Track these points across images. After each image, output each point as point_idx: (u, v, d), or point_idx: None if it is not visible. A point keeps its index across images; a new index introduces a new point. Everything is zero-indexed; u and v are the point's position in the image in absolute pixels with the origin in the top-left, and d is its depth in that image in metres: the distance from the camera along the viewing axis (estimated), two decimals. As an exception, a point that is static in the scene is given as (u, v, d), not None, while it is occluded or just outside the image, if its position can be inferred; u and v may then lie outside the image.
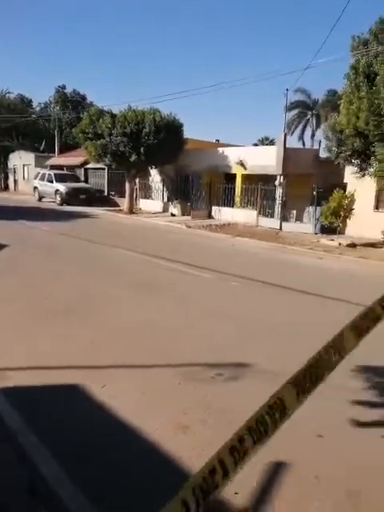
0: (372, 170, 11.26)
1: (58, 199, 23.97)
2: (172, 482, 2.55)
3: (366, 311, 1.48)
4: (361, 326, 1.41)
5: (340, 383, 3.87)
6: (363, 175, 11.74)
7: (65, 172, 27.05)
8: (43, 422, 3.14)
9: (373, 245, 12.82)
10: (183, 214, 20.16)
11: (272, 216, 17.10)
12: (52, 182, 24.62)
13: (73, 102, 42.64)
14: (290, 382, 1.09)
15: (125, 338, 4.89)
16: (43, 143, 37.34)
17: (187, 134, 20.90)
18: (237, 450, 0.95)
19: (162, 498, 2.41)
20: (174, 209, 20.97)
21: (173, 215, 20.44)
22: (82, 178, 27.59)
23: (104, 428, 3.11)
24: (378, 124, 10.19)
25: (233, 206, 18.92)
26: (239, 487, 2.59)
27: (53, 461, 2.68)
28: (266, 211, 17.54)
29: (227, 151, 19.66)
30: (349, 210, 13.60)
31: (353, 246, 12.52)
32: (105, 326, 5.27)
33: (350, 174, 13.04)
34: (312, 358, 1.20)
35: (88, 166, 26.82)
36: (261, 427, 1.00)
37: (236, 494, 2.50)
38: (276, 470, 2.77)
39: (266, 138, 46.36)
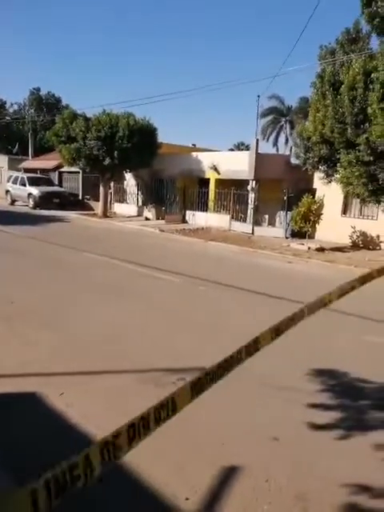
0: (338, 176, 11.59)
1: (31, 203, 23.60)
2: (129, 491, 2.61)
3: (291, 316, 1.60)
4: (280, 328, 1.54)
5: (296, 386, 4.01)
6: (330, 181, 12.07)
7: (38, 175, 26.63)
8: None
9: (340, 249, 13.19)
10: (158, 218, 20.19)
11: (244, 220, 17.34)
12: (25, 185, 24.22)
13: (47, 105, 42.16)
14: (189, 384, 1.15)
15: (88, 343, 4.88)
16: (17, 146, 36.72)
17: (164, 138, 21.06)
18: (108, 446, 0.91)
19: (112, 502, 2.45)
20: (149, 213, 20.98)
21: (147, 219, 20.43)
22: (56, 182, 27.24)
23: (58, 437, 3.10)
24: (342, 132, 10.51)
25: (206, 211, 19.08)
26: (190, 492, 2.65)
27: (2, 474, 2.66)
28: (238, 215, 17.78)
29: (201, 156, 19.83)
30: (318, 215, 13.94)
31: (321, 250, 12.84)
32: (67, 331, 5.25)
33: (318, 179, 13.38)
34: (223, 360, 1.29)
35: (62, 169, 26.53)
36: (141, 422, 0.99)
37: (187, 499, 2.55)
38: (228, 475, 2.84)
39: (242, 144, 46.92)
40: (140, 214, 21.55)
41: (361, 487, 2.70)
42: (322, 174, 12.30)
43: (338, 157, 11.07)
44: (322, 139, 11.11)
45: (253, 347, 1.43)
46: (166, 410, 1.06)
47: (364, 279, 1.87)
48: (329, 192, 13.52)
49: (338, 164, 11.12)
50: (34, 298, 6.64)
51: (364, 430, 3.32)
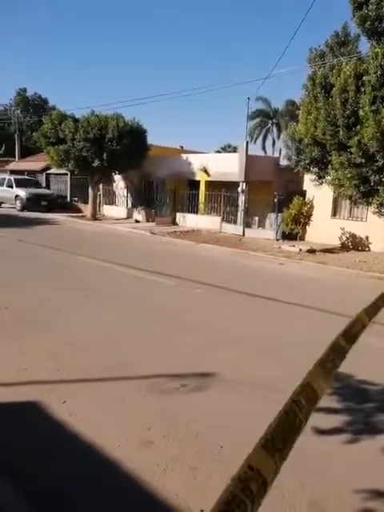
0: (329, 178, 11.66)
1: (18, 205, 23.25)
2: (134, 500, 2.54)
3: (331, 346, 1.47)
4: (328, 363, 1.36)
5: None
6: (321, 183, 12.14)
7: (25, 177, 26.26)
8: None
9: (330, 250, 13.29)
10: (148, 221, 20.08)
11: (235, 222, 17.35)
12: (12, 187, 23.85)
13: (34, 106, 41.70)
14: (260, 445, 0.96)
15: (86, 350, 4.79)
16: (3, 147, 36.20)
17: (151, 140, 20.92)
18: None
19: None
20: (139, 215, 20.85)
21: (137, 221, 20.31)
22: (44, 184, 26.91)
23: (62, 449, 3.02)
24: (334, 134, 10.57)
25: (197, 213, 19.04)
26: (207, 505, 2.59)
27: (7, 487, 2.57)
28: (229, 217, 17.79)
29: (191, 158, 19.79)
30: (308, 217, 14.03)
31: (312, 251, 12.91)
32: (65, 338, 5.14)
33: (308, 181, 13.45)
34: (280, 413, 1.11)
35: (50, 171, 26.22)
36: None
37: (202, 511, 2.49)
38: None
39: (229, 146, 47.02)
40: (130, 216, 21.41)
41: (374, 493, 2.67)
42: (313, 176, 12.36)
43: (329, 159, 11.14)
44: (314, 141, 11.16)
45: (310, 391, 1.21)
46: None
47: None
48: (319, 194, 13.61)
49: (330, 166, 11.19)
50: (27, 303, 6.50)
51: (372, 434, 3.31)
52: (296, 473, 2.85)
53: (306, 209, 13.90)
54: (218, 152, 37.76)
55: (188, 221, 18.95)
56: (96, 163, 18.87)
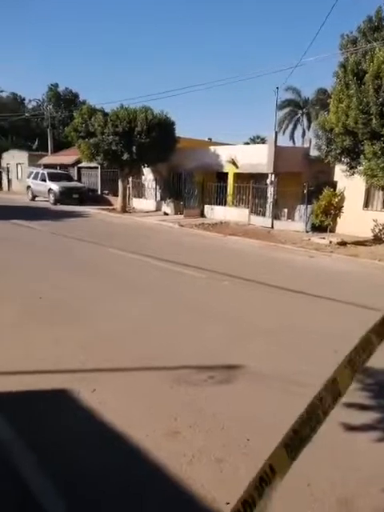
0: (361, 168, 11.32)
1: (52, 198, 23.86)
2: (161, 490, 2.60)
3: (360, 343, 1.43)
4: (356, 361, 1.32)
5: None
6: (353, 173, 11.81)
7: (58, 171, 26.89)
8: (32, 430, 3.13)
9: (362, 243, 12.93)
10: (176, 213, 20.16)
11: (264, 214, 17.16)
12: (45, 181, 24.49)
13: (65, 101, 42.46)
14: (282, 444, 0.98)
15: (115, 340, 4.90)
16: (36, 142, 37.14)
17: (179, 132, 20.90)
18: None
19: (150, 507, 2.45)
20: (167, 208, 20.96)
21: (166, 214, 20.42)
22: (75, 177, 27.46)
23: (93, 435, 3.11)
24: (366, 122, 10.24)
25: (225, 205, 18.95)
26: (232, 497, 2.62)
27: (42, 472, 2.67)
28: (257, 209, 17.60)
29: (219, 150, 19.67)
30: (339, 208, 13.68)
31: (343, 244, 12.61)
32: (95, 328, 5.27)
33: (339, 172, 13.11)
34: (303, 413, 1.10)
35: (81, 164, 26.71)
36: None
37: (227, 504, 2.52)
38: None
39: (257, 137, 46.37)
40: (158, 208, 21.56)
41: (404, 492, 2.62)
42: (344, 166, 12.03)
43: (361, 148, 10.81)
44: (345, 130, 10.84)
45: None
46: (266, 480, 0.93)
47: None
48: (350, 185, 13.25)
49: (362, 155, 10.85)
50: (60, 294, 6.70)
51: (403, 432, 3.24)
52: (325, 469, 2.83)
53: (336, 200, 13.56)
54: (247, 143, 37.32)
55: (216, 213, 18.89)
56: (125, 156, 19.05)
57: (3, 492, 2.54)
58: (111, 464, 2.81)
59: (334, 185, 14.46)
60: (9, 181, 35.78)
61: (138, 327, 5.40)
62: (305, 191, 15.14)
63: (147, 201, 22.82)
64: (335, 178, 14.74)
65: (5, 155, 35.25)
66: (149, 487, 2.62)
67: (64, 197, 23.33)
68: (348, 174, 11.97)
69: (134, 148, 18.75)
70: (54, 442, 3.00)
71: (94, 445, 3.01)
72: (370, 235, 13.87)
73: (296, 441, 1.00)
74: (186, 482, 2.64)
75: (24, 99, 44.66)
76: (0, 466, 2.73)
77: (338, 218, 14.09)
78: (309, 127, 39.10)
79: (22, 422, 3.20)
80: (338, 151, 11.61)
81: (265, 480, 0.90)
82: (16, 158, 33.68)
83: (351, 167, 11.84)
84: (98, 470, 2.75)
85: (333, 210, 13.51)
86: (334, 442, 3.14)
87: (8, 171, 35.55)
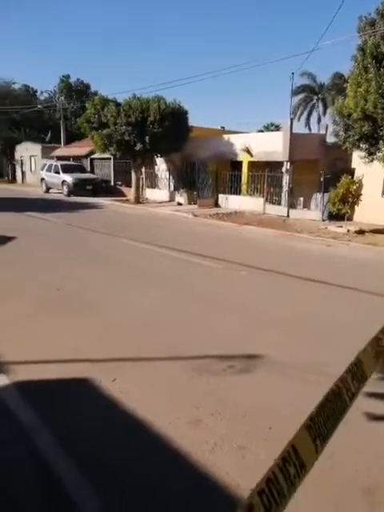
0: (380, 154, 11.05)
1: (65, 190, 23.98)
2: (185, 477, 2.60)
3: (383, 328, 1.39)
4: (380, 344, 1.30)
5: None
6: (372, 160, 11.53)
7: (71, 163, 26.98)
8: (56, 418, 3.16)
9: (381, 231, 12.67)
10: (190, 203, 20.08)
11: (279, 203, 16.96)
12: (59, 173, 24.61)
13: (77, 92, 42.40)
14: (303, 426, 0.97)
15: (134, 330, 4.91)
16: (49, 134, 37.25)
17: (192, 121, 20.70)
18: None
19: (174, 494, 2.45)
20: (181, 198, 20.89)
21: (179, 204, 20.36)
22: (88, 169, 27.53)
23: (116, 424, 3.13)
24: (386, 107, 9.98)
25: (239, 194, 18.78)
26: (253, 482, 2.61)
27: (66, 459, 2.70)
28: (272, 198, 17.40)
29: (233, 138, 19.44)
30: (357, 196, 13.41)
31: (361, 232, 12.40)
32: (113, 318, 5.29)
33: (357, 158, 12.82)
34: (327, 394, 1.08)
35: (94, 156, 26.73)
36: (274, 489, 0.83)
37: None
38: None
39: (272, 124, 45.69)
40: (172, 199, 21.50)
41: None
42: (363, 153, 11.76)
43: (381, 134, 10.53)
44: (364, 115, 10.57)
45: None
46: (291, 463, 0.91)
47: None
48: (369, 171, 12.95)
49: (381, 141, 10.58)
50: (76, 285, 6.74)
51: None
52: (349, 457, 2.80)
53: (354, 187, 13.29)
54: (261, 131, 36.83)
55: (230, 202, 18.75)
56: (138, 147, 18.97)
57: (31, 479, 2.57)
58: (134, 452, 2.82)
59: (351, 172, 14.17)
60: (22, 173, 36.08)
61: (155, 317, 5.39)
62: (321, 179, 14.89)
63: (160, 191, 22.76)
64: (353, 165, 14.45)
65: (18, 148, 35.50)
66: (172, 474, 2.62)
67: (77, 188, 23.42)
68: (367, 160, 11.70)
69: (146, 138, 18.65)
70: (77, 431, 3.02)
71: (117, 433, 3.02)
72: (388, 223, 13.59)
73: (318, 423, 0.98)
74: (210, 469, 2.63)
75: (36, 91, 44.76)
76: (27, 454, 2.76)
77: (355, 206, 13.83)
78: (324, 113, 38.43)
79: (46, 411, 3.23)
80: (356, 137, 11.33)
81: (288, 460, 0.89)
82: (29, 151, 33.90)
83: (370, 153, 11.56)
84: (121, 458, 2.76)
85: (351, 198, 13.25)
86: (358, 431, 3.09)
87: (22, 164, 35.84)
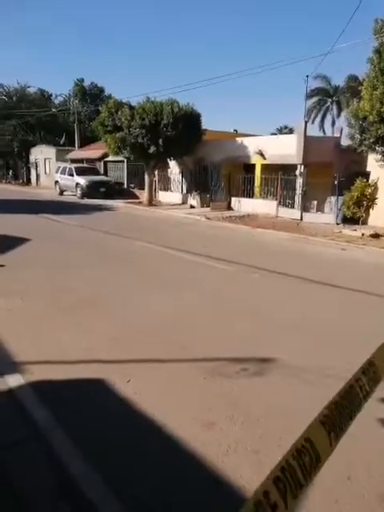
0: (397, 157, 10.95)
1: (79, 192, 24.22)
2: (198, 480, 2.59)
3: None
4: None
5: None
6: (388, 163, 11.44)
7: (85, 165, 27.27)
8: (70, 418, 3.17)
9: (397, 235, 12.51)
10: (202, 206, 20.09)
11: (292, 206, 16.86)
12: (73, 175, 24.88)
13: (91, 95, 42.85)
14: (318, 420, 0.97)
15: (147, 332, 4.92)
16: (63, 137, 37.70)
17: (205, 124, 20.75)
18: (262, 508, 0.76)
19: (187, 497, 2.44)
20: (194, 200, 20.91)
21: (192, 207, 20.38)
22: (102, 171, 27.77)
23: (129, 425, 3.13)
24: (403, 110, 9.88)
25: (252, 197, 18.73)
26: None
27: (80, 459, 2.71)
28: (286, 201, 17.31)
29: (246, 141, 19.40)
30: (372, 200, 13.27)
31: (376, 236, 12.25)
32: (127, 320, 5.32)
33: (373, 161, 12.70)
34: (342, 389, 1.08)
35: (107, 158, 26.97)
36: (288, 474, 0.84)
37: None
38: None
39: (285, 127, 45.56)
40: (184, 201, 21.54)
41: None
42: (378, 156, 11.65)
43: (397, 137, 10.44)
44: (380, 118, 10.49)
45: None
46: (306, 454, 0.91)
47: None
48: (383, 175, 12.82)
49: (398, 144, 10.49)
50: (90, 287, 6.79)
51: None
52: (365, 464, 2.76)
53: (369, 191, 13.17)
54: (274, 134, 36.71)
55: (243, 205, 18.70)
56: (152, 149, 19.08)
57: (46, 479, 2.59)
58: (149, 453, 2.82)
59: (366, 175, 14.03)
60: (37, 176, 36.57)
61: (167, 320, 5.40)
62: (336, 182, 14.76)
63: (173, 194, 22.83)
64: (368, 168, 14.30)
65: (33, 150, 36.02)
66: (188, 476, 2.61)
67: (91, 191, 23.64)
68: (382, 163, 11.58)
69: (160, 141, 18.75)
70: (92, 431, 3.04)
71: (132, 434, 3.02)
72: (404, 227, 13.40)
73: (333, 418, 0.99)
74: (224, 471, 2.62)
75: (51, 95, 45.33)
76: (41, 454, 2.78)
77: (370, 210, 13.68)
78: (339, 116, 38.13)
79: (60, 411, 3.25)
80: (371, 140, 11.24)
81: (302, 451, 0.90)
82: (44, 153, 34.36)
83: (386, 157, 11.45)
84: (136, 459, 2.76)
85: (365, 201, 13.13)
86: (372, 437, 3.05)
87: (36, 166, 36.33)
